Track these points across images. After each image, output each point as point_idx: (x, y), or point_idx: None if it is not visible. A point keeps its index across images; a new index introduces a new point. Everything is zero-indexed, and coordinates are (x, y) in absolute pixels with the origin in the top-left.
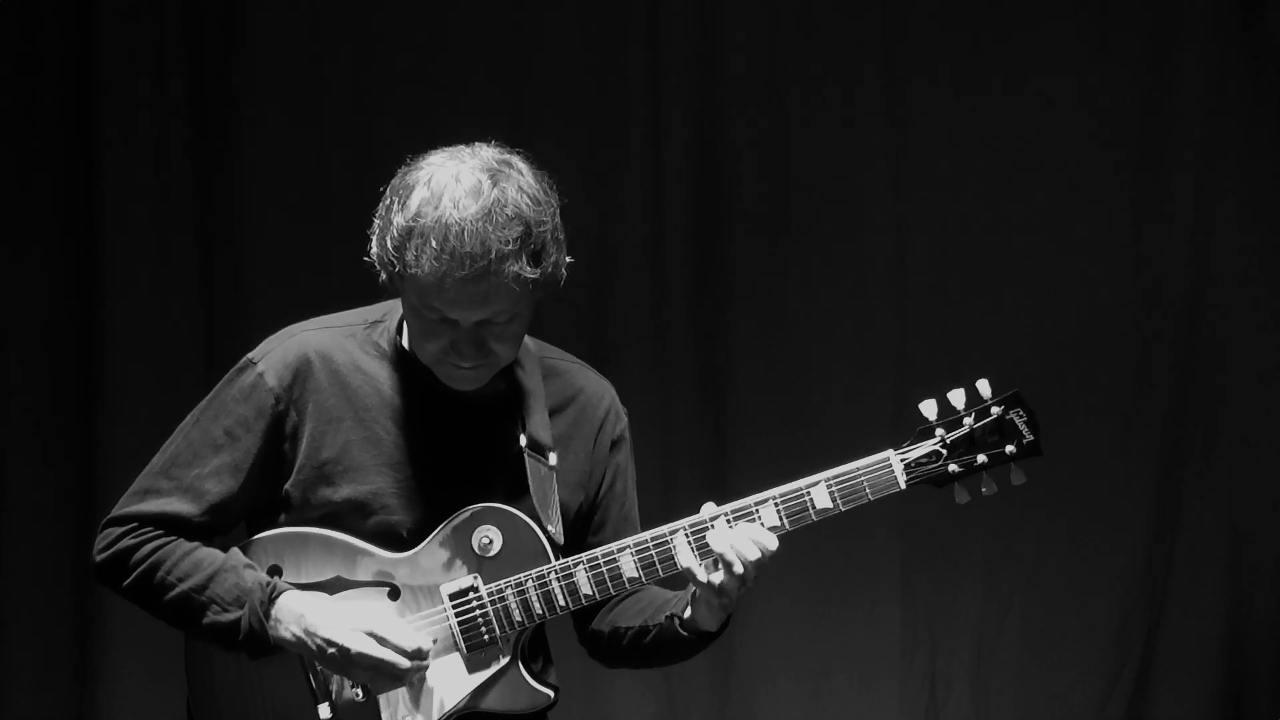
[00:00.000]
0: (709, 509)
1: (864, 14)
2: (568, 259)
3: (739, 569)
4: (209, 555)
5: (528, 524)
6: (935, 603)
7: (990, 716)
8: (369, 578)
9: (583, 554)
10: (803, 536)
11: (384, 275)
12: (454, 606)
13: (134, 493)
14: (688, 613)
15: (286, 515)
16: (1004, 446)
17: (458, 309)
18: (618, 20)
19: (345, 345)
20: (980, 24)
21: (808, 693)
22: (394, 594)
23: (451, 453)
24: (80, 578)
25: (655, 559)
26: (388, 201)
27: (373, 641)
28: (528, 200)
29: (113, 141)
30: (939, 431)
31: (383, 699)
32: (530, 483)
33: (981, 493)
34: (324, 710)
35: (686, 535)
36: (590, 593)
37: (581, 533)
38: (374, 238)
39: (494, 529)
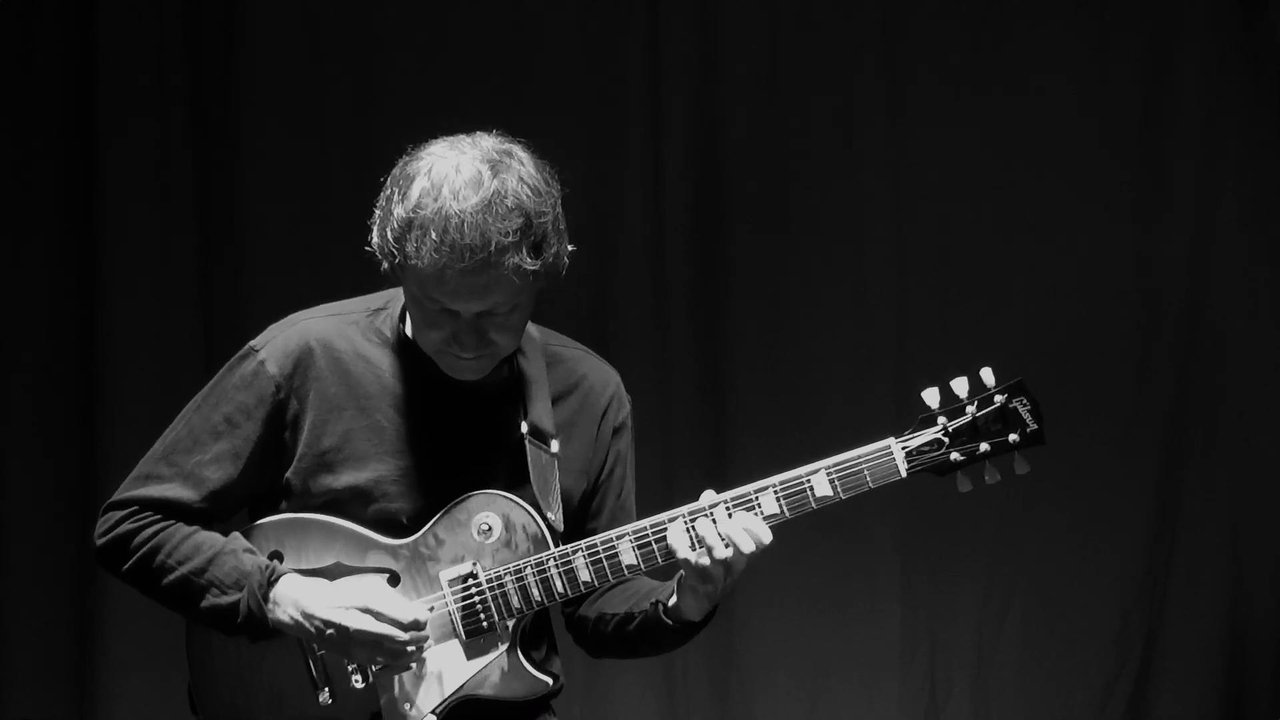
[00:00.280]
0: (709, 496)
1: (864, 14)
2: (570, 247)
3: (721, 554)
4: (209, 539)
5: (527, 511)
6: (935, 603)
7: (990, 717)
8: (369, 564)
9: (581, 541)
10: (803, 537)
11: (385, 264)
12: (453, 592)
13: (135, 477)
14: (673, 600)
15: (287, 502)
16: (1007, 435)
17: (458, 300)
18: (618, 20)
19: (347, 333)
20: (980, 24)
21: (808, 693)
22: (394, 580)
23: (453, 440)
24: (80, 577)
25: (654, 547)
26: (388, 191)
27: (369, 617)
28: (528, 191)
29: (113, 141)
30: (941, 419)
31: (381, 686)
32: (531, 470)
33: (985, 481)
34: (323, 696)
35: (685, 522)
36: (589, 580)
37: (579, 519)
38: (375, 227)
39: (494, 515)
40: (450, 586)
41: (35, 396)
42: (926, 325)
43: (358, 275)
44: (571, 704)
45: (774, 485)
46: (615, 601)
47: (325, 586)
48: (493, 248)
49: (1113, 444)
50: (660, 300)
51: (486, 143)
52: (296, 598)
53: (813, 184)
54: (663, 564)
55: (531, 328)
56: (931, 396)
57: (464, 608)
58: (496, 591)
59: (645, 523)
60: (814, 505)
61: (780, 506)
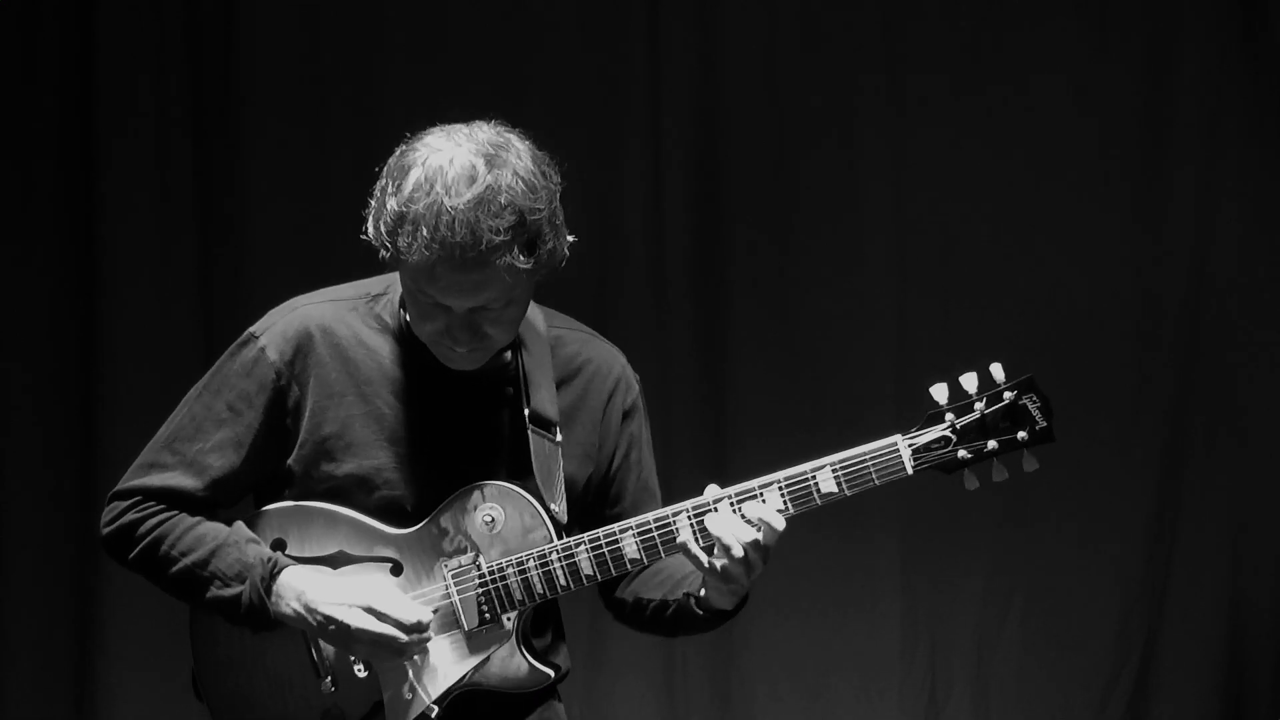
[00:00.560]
0: (712, 491)
1: (864, 14)
2: (571, 238)
3: (738, 553)
4: (212, 530)
5: (530, 502)
6: (935, 603)
7: (990, 717)
8: (372, 553)
9: (584, 534)
10: (803, 537)
11: (381, 253)
12: (455, 584)
13: (139, 466)
14: (702, 592)
15: (290, 489)
16: (1016, 433)
17: (449, 297)
18: (618, 20)
19: (347, 319)
20: (980, 24)
21: (808, 693)
22: (396, 569)
23: (454, 428)
24: (80, 577)
25: (657, 540)
26: (383, 182)
27: (371, 618)
28: (523, 186)
29: (113, 141)
30: (949, 416)
31: (383, 675)
32: (533, 460)
33: (992, 479)
34: (326, 684)
35: (689, 517)
36: (591, 573)
37: (599, 505)
38: (370, 217)
39: (496, 506)
40: (453, 577)
41: (35, 396)
42: (926, 325)
43: (358, 274)
44: (572, 704)
45: (779, 481)
46: (650, 586)
47: (329, 580)
48: (483, 246)
49: (1113, 444)
50: (660, 300)
51: (483, 134)
52: (300, 590)
53: (813, 184)
54: (666, 558)
55: (534, 309)
56: (940, 392)
57: (466, 599)
58: (499, 584)
59: (649, 516)
60: (819, 502)
61: (785, 503)
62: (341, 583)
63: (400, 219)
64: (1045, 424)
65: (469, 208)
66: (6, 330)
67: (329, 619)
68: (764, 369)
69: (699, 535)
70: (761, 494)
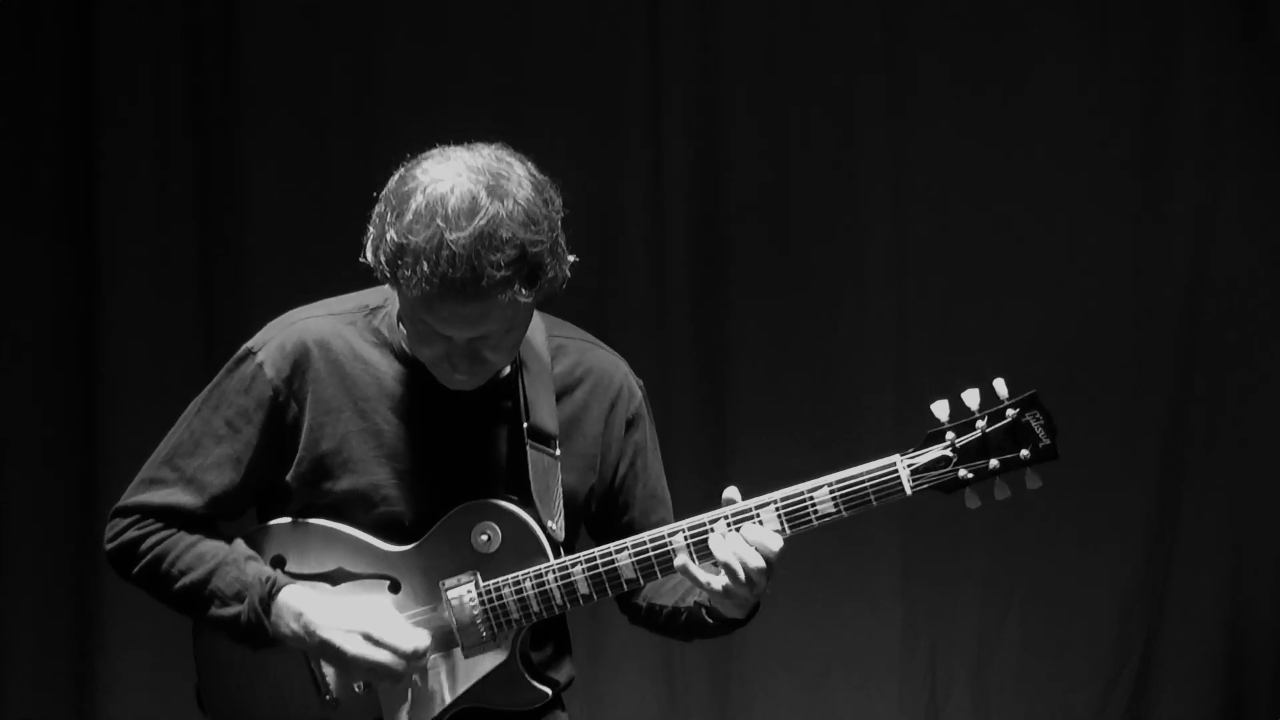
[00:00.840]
0: (728, 495)
1: (864, 14)
2: (572, 258)
3: (740, 574)
4: (212, 549)
5: (526, 522)
6: (935, 603)
7: (990, 717)
8: (371, 570)
9: (580, 553)
10: (803, 537)
11: (379, 276)
12: (453, 603)
13: (140, 481)
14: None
15: (290, 505)
16: (1018, 451)
17: (450, 328)
18: (618, 19)
19: (345, 333)
20: (980, 24)
21: (808, 693)
22: (395, 587)
23: (452, 444)
24: (80, 577)
25: (654, 561)
26: (381, 209)
27: (368, 644)
28: (524, 217)
29: (112, 139)
30: (949, 435)
31: (383, 694)
32: (531, 476)
33: (994, 497)
34: (327, 699)
35: (686, 538)
36: (588, 593)
37: (608, 515)
38: (368, 243)
39: (493, 525)
40: (450, 596)
41: (35, 396)
42: (926, 325)
43: (358, 274)
44: (572, 700)
45: (775, 501)
46: (663, 593)
47: (327, 601)
48: (484, 283)
49: (1113, 444)
50: (660, 300)
51: (483, 159)
52: (298, 611)
53: (812, 183)
54: (661, 578)
55: (536, 318)
56: (941, 409)
57: (463, 619)
58: (495, 603)
59: (645, 536)
60: (816, 523)
61: (782, 524)
62: (340, 605)
63: (400, 250)
64: (1049, 441)
65: (470, 242)
66: (6, 330)
67: (326, 643)
68: (764, 369)
69: (696, 556)
70: (758, 514)
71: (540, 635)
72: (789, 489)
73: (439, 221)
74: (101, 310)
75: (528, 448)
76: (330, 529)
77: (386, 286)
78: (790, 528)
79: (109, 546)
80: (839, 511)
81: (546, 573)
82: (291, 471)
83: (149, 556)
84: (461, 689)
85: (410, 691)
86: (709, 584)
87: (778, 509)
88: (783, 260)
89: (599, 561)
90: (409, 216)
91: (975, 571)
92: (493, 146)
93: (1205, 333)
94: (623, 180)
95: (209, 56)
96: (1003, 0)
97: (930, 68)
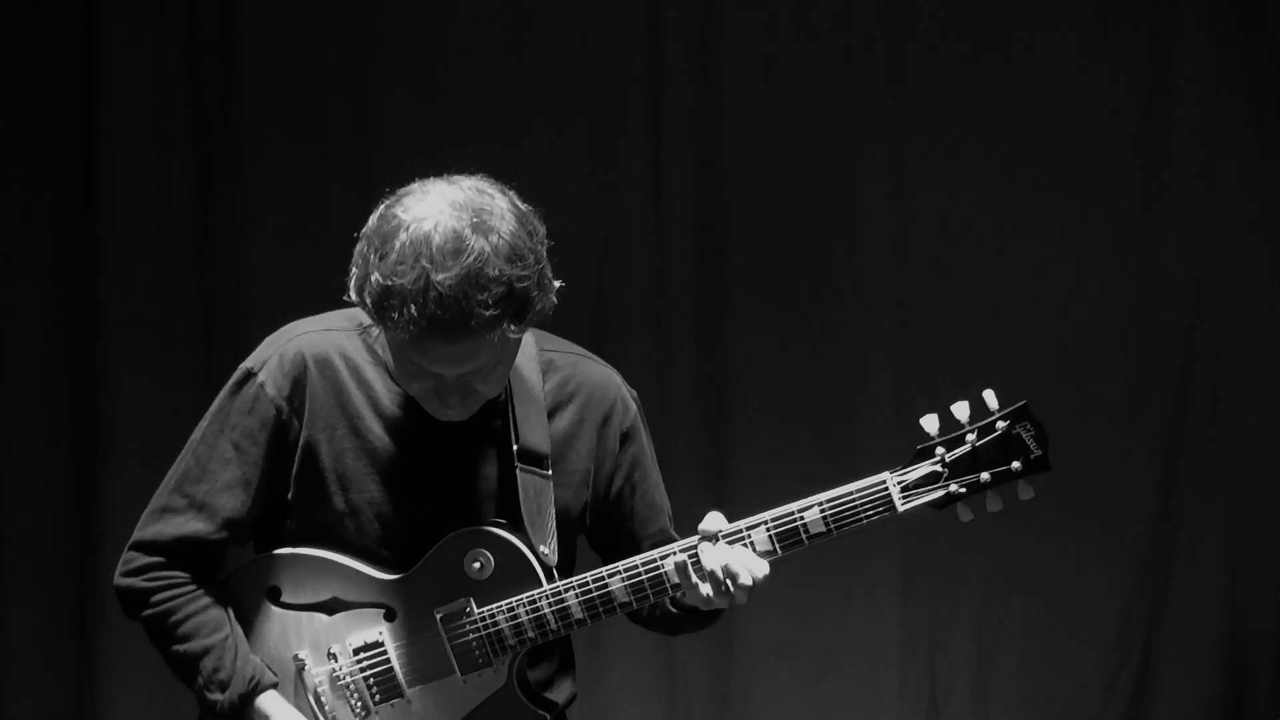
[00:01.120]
0: (709, 522)
1: (865, 16)
2: (558, 283)
3: (725, 589)
4: (212, 621)
5: (518, 548)
6: (935, 603)
7: (990, 717)
8: (365, 599)
9: (574, 578)
10: None
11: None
12: (447, 630)
13: (152, 511)
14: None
15: (288, 521)
16: (1009, 464)
17: (439, 366)
18: (618, 20)
19: (343, 349)
20: (980, 27)
21: (808, 692)
22: (389, 615)
23: (443, 466)
24: (79, 585)
25: (646, 584)
26: (364, 248)
27: None
28: (509, 252)
29: (113, 144)
30: (939, 450)
31: None
32: (521, 499)
33: (987, 510)
34: None
35: (676, 559)
36: (582, 617)
37: (606, 527)
38: (351, 282)
39: (485, 552)
40: (444, 624)
41: (35, 397)
42: (926, 326)
43: None
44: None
45: (766, 521)
46: None
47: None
48: (473, 323)
49: (1113, 444)
50: (660, 300)
51: (464, 193)
52: (268, 716)
53: (813, 185)
54: (654, 600)
55: (527, 334)
56: (930, 423)
57: (458, 645)
58: (490, 629)
59: (637, 560)
60: (806, 543)
61: (773, 543)
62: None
63: (386, 293)
64: (1040, 452)
65: (457, 282)
66: (6, 332)
67: None
68: (764, 369)
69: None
70: (749, 534)
71: (541, 651)
72: (779, 509)
73: (424, 262)
74: (101, 313)
75: (518, 471)
76: (324, 559)
77: None
78: (782, 549)
79: (121, 582)
80: (830, 532)
81: (540, 598)
82: (292, 490)
83: (158, 610)
84: (459, 716)
85: None
86: (696, 585)
87: (769, 529)
88: (782, 261)
89: (591, 586)
90: (393, 257)
91: (975, 571)
92: (474, 178)
93: (1205, 333)
94: (623, 180)
95: (209, 62)
96: (1003, 4)
97: (930, 70)
